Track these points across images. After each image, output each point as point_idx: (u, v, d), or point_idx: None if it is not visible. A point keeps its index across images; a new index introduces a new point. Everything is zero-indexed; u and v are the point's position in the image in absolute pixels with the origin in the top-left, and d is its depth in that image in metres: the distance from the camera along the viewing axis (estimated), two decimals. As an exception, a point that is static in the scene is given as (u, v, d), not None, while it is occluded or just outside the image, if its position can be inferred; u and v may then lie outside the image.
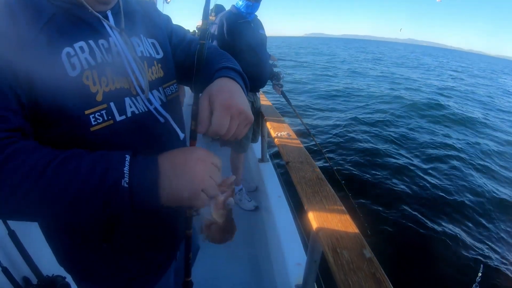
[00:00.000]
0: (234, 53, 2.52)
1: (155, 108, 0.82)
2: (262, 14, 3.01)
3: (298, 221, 2.26)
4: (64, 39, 0.67)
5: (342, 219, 1.22)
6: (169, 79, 0.92)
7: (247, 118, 0.74)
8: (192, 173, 0.63)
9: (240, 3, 2.74)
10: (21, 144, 0.57)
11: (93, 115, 0.68)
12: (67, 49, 0.66)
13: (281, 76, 3.28)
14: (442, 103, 12.07)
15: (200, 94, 0.75)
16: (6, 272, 1.43)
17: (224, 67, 0.86)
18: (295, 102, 8.84)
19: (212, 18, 3.83)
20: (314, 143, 3.62)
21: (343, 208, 1.30)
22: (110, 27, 0.76)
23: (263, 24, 3.01)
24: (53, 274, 1.56)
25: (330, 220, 1.23)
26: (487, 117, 11.21)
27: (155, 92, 0.85)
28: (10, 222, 1.52)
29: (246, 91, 0.85)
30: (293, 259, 1.89)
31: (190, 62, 0.99)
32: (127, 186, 0.58)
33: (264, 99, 3.51)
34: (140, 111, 0.78)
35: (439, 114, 10.55)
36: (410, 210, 4.70)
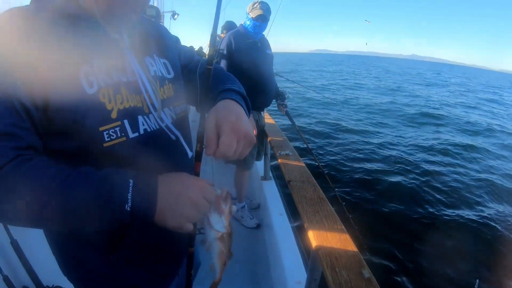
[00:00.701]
0: (241, 72, 2.59)
1: (167, 126, 0.85)
2: (267, 30, 3.06)
3: (299, 239, 2.27)
4: (82, 57, 0.69)
5: (342, 239, 1.24)
6: (179, 99, 0.95)
7: (252, 141, 0.77)
8: (182, 209, 0.69)
9: (248, 23, 2.79)
10: (34, 161, 0.61)
11: (107, 131, 0.70)
12: (85, 67, 0.69)
13: (286, 96, 3.32)
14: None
15: (206, 115, 0.79)
16: (6, 280, 1.45)
17: (228, 89, 0.90)
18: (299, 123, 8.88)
19: (222, 35, 3.91)
20: (317, 164, 3.64)
21: (343, 227, 1.32)
22: (126, 47, 0.80)
23: (269, 39, 3.08)
24: (53, 285, 1.57)
25: (330, 239, 1.25)
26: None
27: (166, 110, 0.87)
28: (12, 231, 1.54)
29: (248, 114, 0.89)
30: (294, 278, 1.90)
31: (197, 83, 1.02)
32: (129, 210, 0.63)
33: (268, 118, 3.55)
34: (152, 129, 0.81)
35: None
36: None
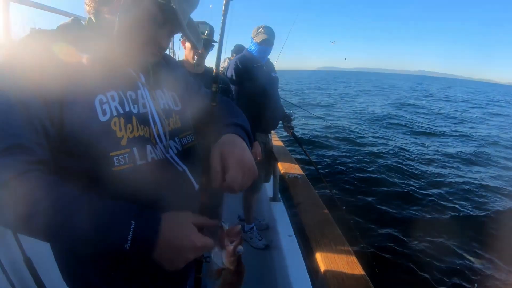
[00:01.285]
0: (248, 96, 2.65)
1: (171, 157, 0.88)
2: (275, 49, 3.05)
3: (308, 260, 2.28)
4: (98, 87, 0.74)
5: (349, 261, 1.27)
6: (185, 130, 0.98)
7: (255, 175, 0.82)
8: (182, 260, 0.71)
9: (253, 47, 2.84)
10: (43, 179, 0.63)
11: (116, 157, 0.74)
12: (100, 96, 0.74)
13: (292, 117, 3.34)
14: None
15: (212, 148, 0.82)
16: None
17: (232, 124, 0.93)
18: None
19: (232, 58, 3.99)
20: (324, 184, 3.67)
21: (350, 249, 1.35)
22: (140, 82, 0.86)
23: (277, 57, 3.11)
24: (64, 304, 1.60)
25: (337, 261, 1.28)
26: None
27: (171, 142, 0.90)
28: (26, 249, 1.58)
29: (250, 148, 0.90)
30: None
31: (202, 116, 1.04)
32: (128, 248, 0.64)
33: (276, 139, 3.59)
34: (159, 158, 0.84)
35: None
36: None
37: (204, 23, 2.22)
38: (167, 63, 1.03)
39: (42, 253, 1.59)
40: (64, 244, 0.67)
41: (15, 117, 0.63)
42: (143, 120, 0.83)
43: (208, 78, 2.35)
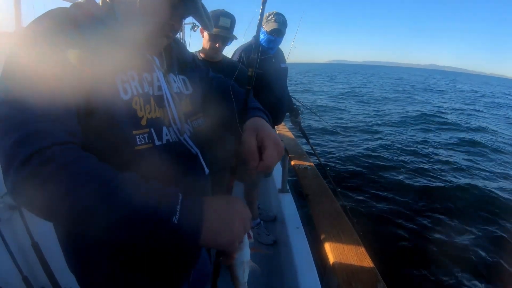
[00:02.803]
0: (254, 89, 2.52)
1: (185, 139, 0.89)
2: (286, 40, 2.91)
3: (315, 252, 2.27)
4: (119, 65, 0.75)
5: (358, 253, 1.25)
6: (196, 113, 1.00)
7: (283, 153, 0.85)
8: (232, 225, 0.67)
9: (262, 36, 2.60)
10: (87, 154, 0.59)
11: (138, 136, 0.75)
12: (121, 74, 0.75)
13: (299, 111, 3.29)
14: None
15: (244, 130, 0.85)
16: (26, 281, 1.52)
17: (255, 108, 0.96)
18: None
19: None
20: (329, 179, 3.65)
21: (359, 241, 1.33)
22: (155, 65, 0.86)
23: (288, 53, 2.96)
24: (70, 287, 1.61)
25: (346, 253, 1.26)
26: None
27: (185, 125, 0.92)
28: (34, 234, 1.61)
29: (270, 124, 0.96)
30: None
31: (211, 97, 1.08)
32: (176, 223, 0.59)
33: (286, 130, 3.57)
34: (173, 140, 0.86)
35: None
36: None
37: (227, 15, 2.16)
38: (179, 48, 1.03)
39: (50, 238, 1.60)
40: (105, 221, 0.57)
41: (47, 95, 0.60)
42: (159, 102, 0.84)
43: (225, 66, 2.33)
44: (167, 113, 0.86)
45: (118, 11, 0.78)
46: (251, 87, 0.91)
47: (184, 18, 0.87)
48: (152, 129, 0.79)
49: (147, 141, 0.77)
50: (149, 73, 0.84)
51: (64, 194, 0.53)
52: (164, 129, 0.84)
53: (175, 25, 0.83)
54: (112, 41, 0.74)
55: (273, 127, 0.95)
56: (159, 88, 0.86)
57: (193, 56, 1.12)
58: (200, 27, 2.30)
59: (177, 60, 1.00)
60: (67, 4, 0.76)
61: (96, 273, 0.89)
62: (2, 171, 0.54)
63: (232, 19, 2.20)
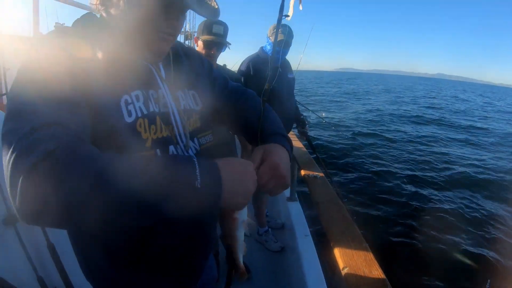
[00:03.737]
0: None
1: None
2: (295, 50, 2.95)
3: (324, 260, 2.27)
4: (123, 87, 0.75)
5: (367, 259, 1.26)
6: (204, 130, 0.98)
7: (285, 186, 0.87)
8: (247, 182, 0.72)
9: (269, 47, 2.69)
10: (91, 146, 0.59)
11: None
12: (126, 96, 0.74)
13: (306, 122, 3.30)
14: None
15: (256, 149, 0.89)
16: (40, 280, 1.54)
17: (277, 133, 0.99)
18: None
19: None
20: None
21: (368, 248, 1.34)
22: (162, 81, 0.86)
23: (298, 63, 2.97)
24: (82, 289, 1.64)
25: (356, 259, 1.26)
26: None
27: (190, 142, 0.90)
28: (50, 235, 1.63)
29: (290, 156, 0.97)
30: None
31: (230, 110, 1.08)
32: (199, 186, 0.60)
33: (295, 139, 3.59)
34: None
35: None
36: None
37: (219, 23, 2.22)
38: (189, 59, 1.02)
39: (65, 239, 1.64)
40: (129, 205, 0.56)
41: (53, 100, 0.60)
42: (165, 119, 0.84)
43: None
44: (173, 131, 0.86)
45: (114, 26, 0.78)
46: (266, 98, 0.95)
47: (182, 15, 0.81)
48: (158, 150, 0.78)
49: None
50: (155, 90, 0.84)
51: (88, 185, 0.51)
52: (171, 148, 0.83)
53: (173, 25, 0.79)
54: (116, 59, 0.74)
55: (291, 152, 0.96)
56: (165, 105, 0.86)
57: (209, 67, 1.10)
58: (195, 36, 2.34)
59: (187, 73, 0.98)
60: (79, 13, 0.78)
61: (107, 277, 0.91)
62: (10, 161, 0.51)
63: (224, 26, 2.25)
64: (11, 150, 0.52)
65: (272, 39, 2.65)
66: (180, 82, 0.94)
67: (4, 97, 1.78)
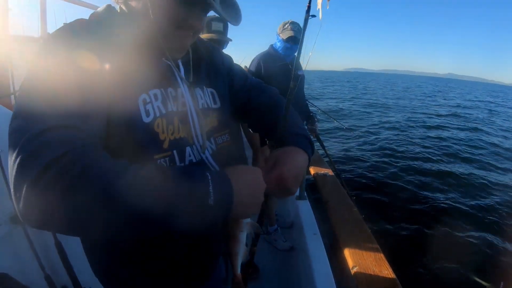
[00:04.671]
0: None
1: (207, 158, 0.87)
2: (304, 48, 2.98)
3: (333, 259, 2.24)
4: (141, 85, 0.73)
5: (377, 258, 1.23)
6: (221, 129, 0.96)
7: (289, 194, 0.86)
8: (258, 193, 0.71)
9: (279, 44, 2.68)
10: (103, 153, 0.56)
11: (159, 160, 0.73)
12: (144, 95, 0.72)
13: (315, 119, 3.27)
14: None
15: (274, 151, 0.88)
16: (48, 279, 1.55)
17: (299, 134, 0.96)
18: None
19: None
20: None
21: (378, 247, 1.31)
22: (181, 78, 0.83)
23: (307, 61, 2.99)
24: (90, 287, 1.65)
25: (366, 259, 1.24)
26: None
27: (207, 142, 0.88)
28: (58, 233, 1.64)
29: (311, 156, 0.95)
30: None
31: (248, 108, 1.07)
32: (213, 204, 0.58)
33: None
34: (196, 160, 0.83)
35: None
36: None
37: (219, 19, 2.20)
38: (209, 56, 0.99)
39: (72, 238, 1.64)
40: (138, 221, 0.54)
41: (62, 102, 0.56)
42: (183, 119, 0.82)
43: None
44: (190, 131, 0.84)
45: (134, 20, 0.75)
46: (292, 97, 0.95)
47: (204, 14, 0.79)
48: (175, 151, 0.77)
49: (168, 165, 0.75)
50: (174, 89, 0.82)
51: (97, 194, 0.49)
52: (188, 149, 0.81)
53: (194, 23, 0.76)
54: (134, 56, 0.71)
55: (312, 152, 0.94)
56: (184, 104, 0.83)
57: (230, 64, 1.07)
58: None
59: (206, 71, 0.96)
60: (88, 12, 0.75)
61: (119, 278, 0.90)
62: (16, 167, 0.49)
63: (224, 22, 2.23)
64: (16, 151, 0.50)
65: (282, 36, 2.64)
66: (199, 80, 0.91)
67: (12, 96, 1.78)
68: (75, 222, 0.50)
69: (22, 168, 0.48)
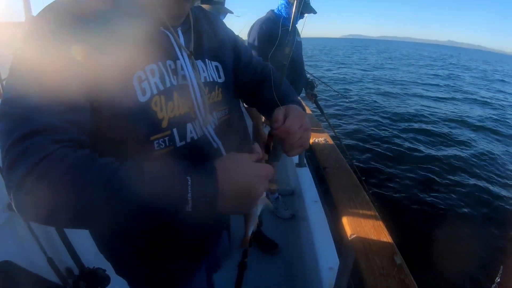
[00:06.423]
0: (273, 63, 2.43)
1: (209, 133, 0.83)
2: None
3: (333, 225, 2.26)
4: (136, 61, 0.67)
5: (375, 225, 1.23)
6: (224, 104, 0.92)
7: (309, 138, 0.84)
8: (253, 192, 0.64)
9: (284, 5, 2.51)
10: (77, 154, 0.53)
11: (157, 141, 0.70)
12: (139, 72, 0.67)
13: (315, 84, 3.20)
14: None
15: (277, 108, 0.84)
16: (51, 262, 1.57)
17: (294, 101, 0.94)
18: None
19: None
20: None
21: (377, 214, 1.30)
22: (180, 48, 0.77)
23: (302, 26, 2.91)
24: (94, 266, 1.67)
25: (364, 226, 1.23)
26: None
27: (209, 116, 0.84)
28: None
29: None
30: (326, 264, 1.90)
31: (255, 85, 1.04)
32: (190, 210, 0.57)
33: (305, 106, 3.50)
34: (198, 136, 0.80)
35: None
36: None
37: None
38: (212, 26, 0.94)
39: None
40: (115, 224, 0.56)
41: (45, 95, 0.55)
42: (184, 93, 0.77)
43: None
44: (192, 105, 0.79)
45: None
46: (287, 63, 0.94)
47: None
48: (175, 130, 0.73)
49: (167, 145, 0.72)
50: (173, 61, 0.76)
51: (68, 199, 0.50)
52: (189, 126, 0.78)
53: None
54: (128, 26, 0.65)
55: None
56: (184, 77, 0.77)
57: (234, 38, 1.02)
58: None
59: (209, 43, 0.89)
60: None
61: (125, 257, 0.92)
62: (4, 172, 0.51)
63: None
64: (3, 155, 0.52)
65: None
66: (201, 51, 0.86)
67: None
68: (59, 221, 0.56)
69: (8, 175, 0.50)
